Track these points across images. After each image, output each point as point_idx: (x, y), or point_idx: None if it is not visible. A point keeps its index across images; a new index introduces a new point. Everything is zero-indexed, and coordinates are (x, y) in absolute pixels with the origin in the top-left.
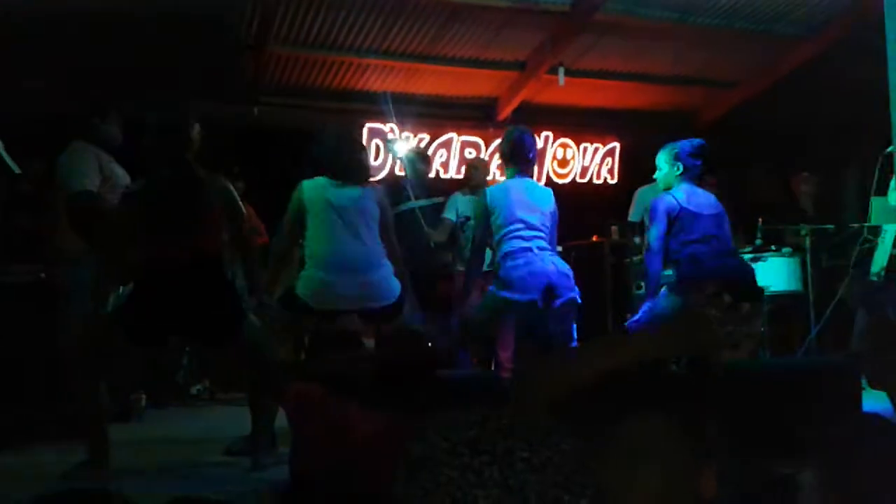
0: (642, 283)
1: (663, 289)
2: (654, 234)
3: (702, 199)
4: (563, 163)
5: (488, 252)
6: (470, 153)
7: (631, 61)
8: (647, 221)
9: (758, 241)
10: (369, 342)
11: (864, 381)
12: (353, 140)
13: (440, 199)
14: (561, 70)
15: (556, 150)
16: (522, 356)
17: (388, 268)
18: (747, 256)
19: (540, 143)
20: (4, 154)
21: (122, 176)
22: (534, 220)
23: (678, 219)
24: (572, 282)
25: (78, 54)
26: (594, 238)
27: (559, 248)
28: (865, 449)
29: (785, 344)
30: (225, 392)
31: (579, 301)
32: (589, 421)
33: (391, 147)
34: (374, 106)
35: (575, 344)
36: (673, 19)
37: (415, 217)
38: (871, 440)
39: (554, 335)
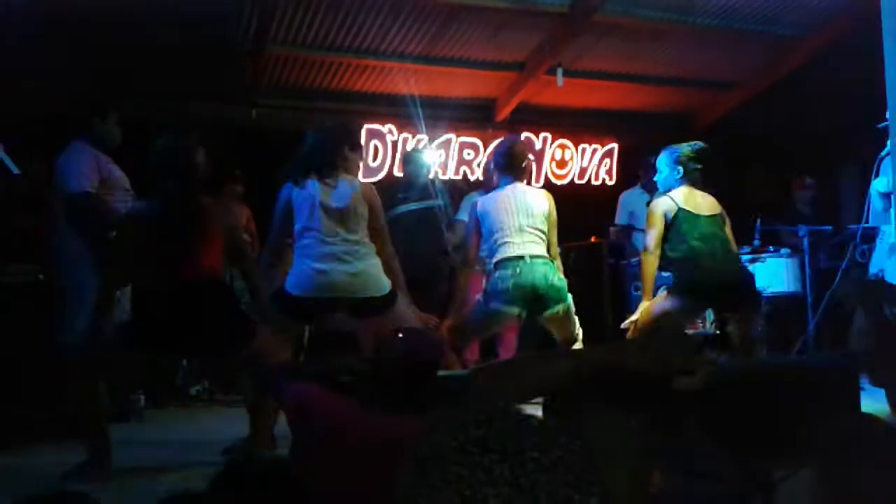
0: (640, 285)
1: (661, 289)
2: (650, 236)
3: (700, 201)
4: (562, 164)
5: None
6: (468, 154)
7: (629, 62)
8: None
9: (756, 242)
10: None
11: (865, 380)
12: (337, 136)
13: (437, 203)
14: (559, 71)
15: (554, 151)
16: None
17: (377, 262)
18: (745, 257)
19: (538, 144)
20: (3, 155)
21: (121, 177)
22: (525, 224)
23: (676, 220)
24: (563, 293)
25: (76, 55)
26: (592, 239)
27: (559, 250)
28: (861, 450)
29: (783, 344)
30: (224, 394)
31: (571, 310)
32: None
33: (419, 157)
34: (373, 107)
35: (578, 346)
36: (671, 20)
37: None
38: (867, 441)
39: (555, 338)
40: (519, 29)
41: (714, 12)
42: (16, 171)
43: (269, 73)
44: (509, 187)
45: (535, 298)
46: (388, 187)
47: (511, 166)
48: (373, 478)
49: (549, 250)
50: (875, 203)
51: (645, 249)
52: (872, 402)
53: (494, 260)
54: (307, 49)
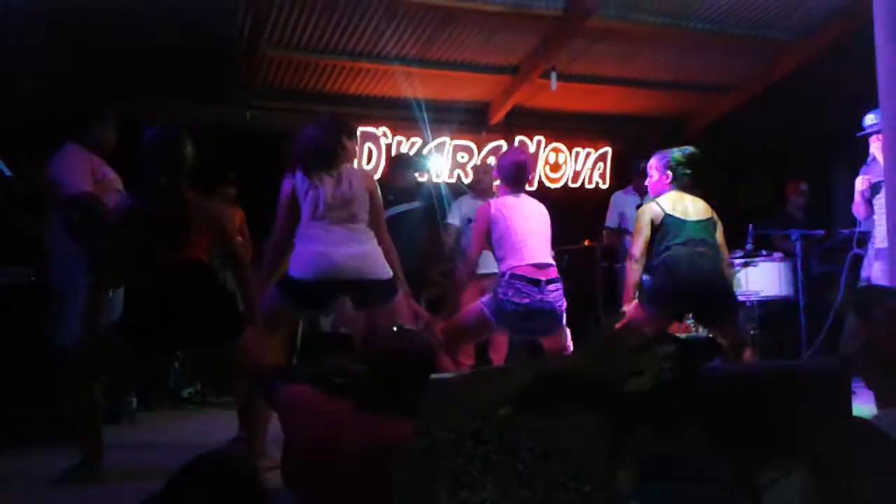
0: None
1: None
2: (636, 243)
3: (689, 206)
4: (555, 167)
5: (486, 253)
6: (462, 157)
7: (623, 66)
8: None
9: (748, 247)
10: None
11: (860, 383)
12: (336, 126)
13: (417, 205)
14: (553, 75)
15: (548, 154)
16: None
17: (377, 248)
18: (738, 262)
19: (532, 148)
20: None
21: (114, 179)
22: (537, 232)
23: (663, 225)
24: (562, 319)
25: (72, 57)
26: (586, 243)
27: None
28: (852, 454)
29: (775, 348)
30: (216, 396)
31: (563, 318)
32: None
33: (423, 164)
34: (367, 109)
35: (570, 350)
36: (665, 24)
37: (405, 220)
38: (858, 445)
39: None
40: (513, 32)
41: (708, 17)
42: (8, 173)
43: (263, 75)
44: (519, 197)
45: (538, 327)
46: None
47: (521, 180)
48: (366, 480)
49: None
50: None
51: (630, 257)
52: (864, 405)
53: (511, 267)
54: (302, 51)
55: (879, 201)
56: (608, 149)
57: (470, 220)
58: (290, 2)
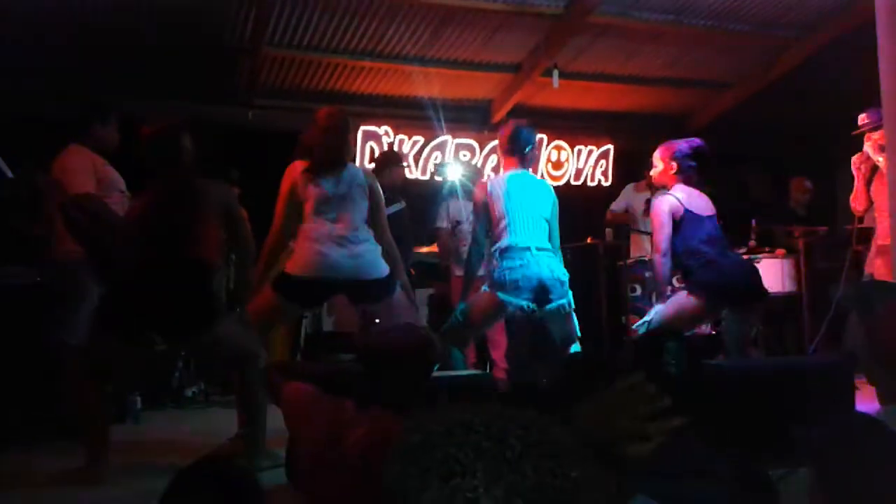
0: (637, 286)
1: (681, 292)
2: (662, 236)
3: (700, 202)
4: (558, 165)
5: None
6: (464, 156)
7: (625, 63)
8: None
9: (751, 243)
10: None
11: (864, 379)
12: (333, 127)
13: (402, 206)
14: (555, 72)
15: (550, 152)
16: (515, 357)
17: (376, 248)
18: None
19: None
20: None
21: (117, 179)
22: (533, 213)
23: (682, 220)
24: (565, 287)
25: (72, 57)
26: (588, 240)
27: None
28: (856, 449)
29: (778, 344)
30: (220, 395)
31: (571, 306)
32: None
33: (442, 170)
34: (369, 108)
35: (576, 346)
36: (667, 21)
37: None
38: (862, 440)
39: (553, 336)
40: (515, 30)
41: (709, 14)
42: (9, 174)
43: (265, 75)
44: (517, 173)
45: (541, 290)
46: None
47: (516, 150)
48: (370, 477)
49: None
50: None
51: (657, 251)
52: (868, 400)
53: (501, 246)
54: (303, 50)
55: (878, 198)
56: (610, 146)
57: (458, 223)
58: (291, 1)
